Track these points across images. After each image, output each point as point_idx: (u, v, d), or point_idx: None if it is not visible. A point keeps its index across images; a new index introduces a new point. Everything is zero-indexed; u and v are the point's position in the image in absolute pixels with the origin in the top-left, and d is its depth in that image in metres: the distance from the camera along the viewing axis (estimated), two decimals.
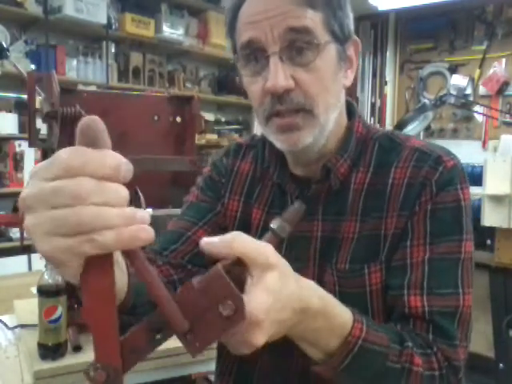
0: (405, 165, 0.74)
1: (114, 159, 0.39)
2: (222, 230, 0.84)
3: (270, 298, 0.49)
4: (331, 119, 0.73)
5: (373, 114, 4.88)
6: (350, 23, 0.74)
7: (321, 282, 0.74)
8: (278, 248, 0.53)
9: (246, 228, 0.82)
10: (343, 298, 0.73)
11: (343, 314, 0.59)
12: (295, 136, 0.70)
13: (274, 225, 0.57)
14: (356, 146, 0.78)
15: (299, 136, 0.70)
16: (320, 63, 0.69)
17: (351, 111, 0.81)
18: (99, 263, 0.40)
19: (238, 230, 0.82)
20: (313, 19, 0.68)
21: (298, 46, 0.68)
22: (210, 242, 0.50)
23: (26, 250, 3.13)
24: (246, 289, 0.49)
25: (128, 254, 0.42)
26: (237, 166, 0.88)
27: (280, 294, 0.50)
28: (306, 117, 0.70)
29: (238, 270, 0.50)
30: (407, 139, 0.78)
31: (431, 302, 0.68)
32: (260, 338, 0.48)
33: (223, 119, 4.92)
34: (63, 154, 0.38)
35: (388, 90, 4.84)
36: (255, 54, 0.70)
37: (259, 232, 0.81)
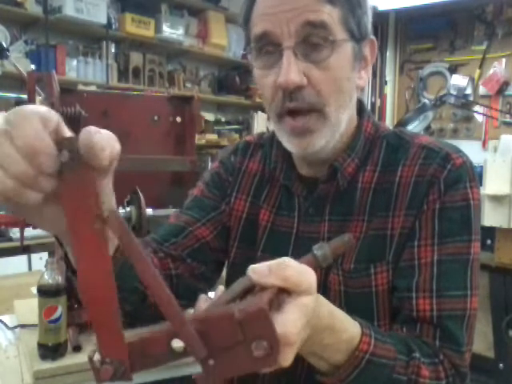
0: (412, 162, 0.73)
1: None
2: (226, 228, 0.84)
3: (304, 319, 0.47)
4: (343, 120, 0.72)
5: (373, 113, 4.88)
6: (368, 22, 0.73)
7: (326, 281, 0.74)
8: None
9: (252, 229, 0.82)
10: (348, 298, 0.72)
11: (351, 329, 0.57)
12: (307, 140, 0.69)
13: (317, 251, 0.55)
14: (364, 145, 0.77)
15: (311, 140, 0.69)
16: (334, 61, 0.67)
17: (361, 109, 0.79)
18: (95, 250, 0.40)
19: (243, 230, 0.83)
20: (331, 15, 0.66)
21: (313, 41, 0.66)
22: (259, 272, 0.47)
23: (26, 250, 3.13)
24: (282, 307, 0.47)
25: (138, 267, 0.40)
26: (245, 164, 0.87)
27: (310, 316, 0.48)
28: (318, 118, 0.69)
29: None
30: (415, 136, 0.77)
31: (440, 305, 0.67)
32: (289, 360, 0.46)
33: (223, 119, 4.92)
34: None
35: (388, 89, 4.85)
36: (268, 46, 0.68)
37: (266, 233, 0.81)
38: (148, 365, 0.42)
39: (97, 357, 0.40)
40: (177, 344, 0.42)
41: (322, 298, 0.54)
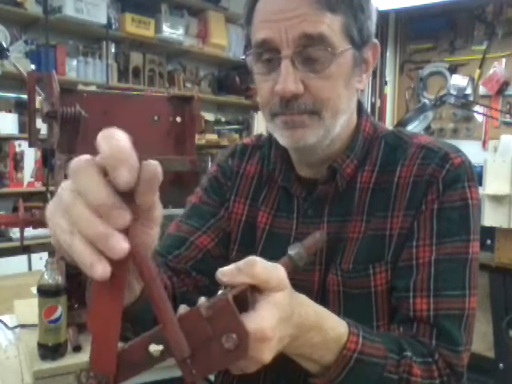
0: (411, 162, 0.73)
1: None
2: (226, 234, 0.84)
3: (278, 314, 0.48)
4: (338, 124, 0.72)
5: (373, 113, 4.87)
6: (372, 26, 0.72)
7: (325, 282, 0.74)
8: (291, 273, 0.52)
9: (251, 231, 0.82)
10: (347, 298, 0.72)
11: (338, 328, 0.58)
12: (299, 133, 0.70)
13: (292, 251, 0.56)
14: (363, 146, 0.77)
15: (303, 134, 0.69)
16: (333, 70, 0.67)
17: (359, 110, 0.79)
18: (111, 279, 0.39)
19: (243, 232, 0.83)
20: (330, 25, 0.66)
21: (311, 52, 0.66)
22: (229, 274, 0.48)
23: (26, 250, 3.13)
24: (255, 305, 0.48)
25: (138, 266, 0.41)
26: (242, 167, 0.87)
27: (285, 311, 0.49)
28: (312, 117, 0.69)
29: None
30: (414, 136, 0.77)
31: (438, 304, 0.67)
32: (268, 355, 0.48)
33: (223, 119, 4.92)
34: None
35: (388, 89, 4.84)
36: (268, 53, 0.69)
37: (265, 235, 0.80)
38: (129, 374, 0.43)
39: (84, 375, 0.42)
40: (153, 348, 0.43)
41: (305, 298, 0.55)
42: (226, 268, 0.49)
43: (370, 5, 0.71)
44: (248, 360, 0.47)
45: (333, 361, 0.57)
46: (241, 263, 0.49)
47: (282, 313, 0.49)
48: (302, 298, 0.55)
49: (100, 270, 0.37)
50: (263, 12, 0.69)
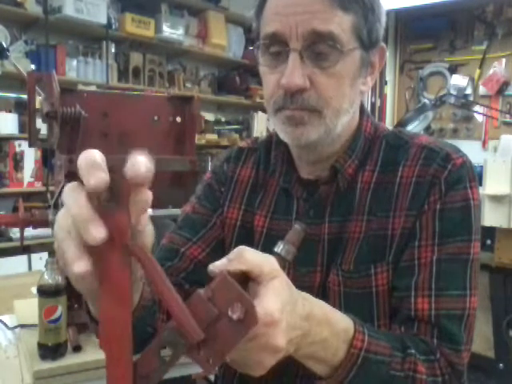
0: (413, 163, 0.73)
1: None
2: (220, 241, 0.83)
3: (281, 299, 0.48)
4: (340, 123, 0.72)
5: (373, 113, 4.87)
6: (380, 28, 0.72)
7: (326, 282, 0.74)
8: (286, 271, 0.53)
9: (247, 236, 0.81)
10: (348, 298, 0.72)
11: (343, 321, 0.58)
12: (301, 130, 0.70)
13: (277, 248, 0.56)
14: (364, 146, 0.77)
15: (304, 131, 0.69)
16: (340, 68, 0.68)
17: (360, 110, 0.79)
18: (117, 291, 0.40)
19: (238, 238, 0.82)
20: (341, 24, 0.66)
21: (320, 48, 0.66)
22: (220, 265, 0.49)
23: (26, 250, 3.14)
24: (257, 294, 0.48)
25: (140, 261, 0.41)
26: (237, 172, 0.86)
27: (287, 297, 0.50)
28: (312, 115, 0.69)
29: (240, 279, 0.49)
30: (415, 136, 0.77)
31: (439, 304, 0.67)
32: (281, 340, 0.48)
33: (223, 119, 4.91)
34: None
35: (388, 89, 4.84)
36: (277, 45, 0.69)
37: (263, 239, 0.80)
38: None
39: None
40: (164, 350, 0.43)
41: (308, 294, 0.55)
42: (216, 262, 0.50)
43: (381, 7, 0.71)
44: (264, 349, 0.47)
45: (341, 360, 0.57)
46: (230, 254, 0.50)
47: (284, 297, 0.49)
48: (304, 294, 0.55)
49: (80, 265, 0.39)
50: (275, 5, 0.69)
